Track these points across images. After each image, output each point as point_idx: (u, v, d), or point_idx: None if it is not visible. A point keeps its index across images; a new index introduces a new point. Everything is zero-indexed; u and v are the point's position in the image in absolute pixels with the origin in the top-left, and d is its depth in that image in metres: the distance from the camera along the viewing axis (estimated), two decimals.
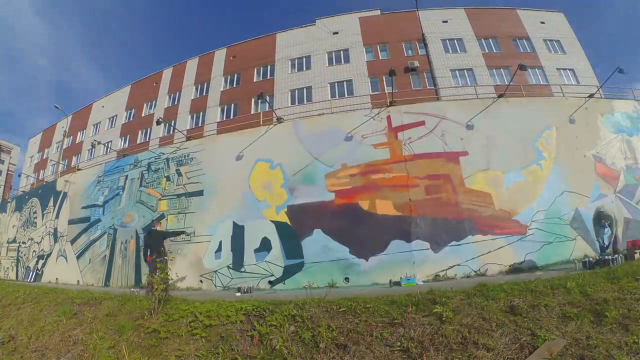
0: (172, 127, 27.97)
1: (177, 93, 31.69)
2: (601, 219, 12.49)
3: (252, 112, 26.33)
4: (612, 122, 14.81)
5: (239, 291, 11.87)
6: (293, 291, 11.91)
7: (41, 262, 20.75)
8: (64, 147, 37.38)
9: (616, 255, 10.28)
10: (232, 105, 28.25)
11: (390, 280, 11.49)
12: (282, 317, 6.36)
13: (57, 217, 20.68)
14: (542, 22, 27.88)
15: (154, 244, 10.81)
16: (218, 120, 27.90)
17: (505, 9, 28.54)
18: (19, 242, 23.56)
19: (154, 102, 32.68)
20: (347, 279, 12.41)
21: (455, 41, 26.75)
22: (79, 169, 21.94)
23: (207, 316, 6.86)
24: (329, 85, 26.17)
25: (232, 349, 5.66)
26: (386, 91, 21.93)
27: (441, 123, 13.75)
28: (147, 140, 30.44)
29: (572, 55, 26.44)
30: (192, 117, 29.68)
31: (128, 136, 32.63)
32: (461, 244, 12.24)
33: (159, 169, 17.10)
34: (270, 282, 13.12)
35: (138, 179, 17.59)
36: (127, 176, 18.14)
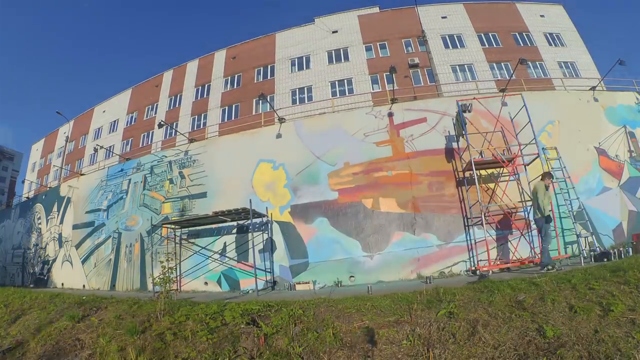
0: (174, 130, 28.03)
1: (178, 96, 31.71)
2: None
3: (253, 113, 26.34)
4: (615, 114, 14.72)
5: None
6: (299, 291, 11.96)
7: (46, 267, 20.86)
8: (67, 152, 37.48)
9: (622, 249, 10.23)
10: (234, 106, 28.24)
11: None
12: (288, 317, 6.35)
13: (61, 222, 20.75)
14: (542, 16, 27.73)
15: None
16: (220, 122, 27.91)
17: (504, 2, 28.39)
18: (24, 248, 23.66)
19: (155, 105, 32.71)
20: (352, 277, 12.42)
21: (455, 37, 26.65)
22: (82, 174, 22.01)
23: (212, 318, 6.86)
24: (329, 84, 26.13)
25: (237, 350, 5.66)
26: (387, 89, 21.89)
27: (443, 119, 13.72)
28: (150, 143, 30.49)
29: (573, 48, 26.29)
30: (193, 120, 29.69)
31: (130, 140, 32.70)
32: (466, 240, 12.23)
33: (161, 172, 17.13)
34: (275, 282, 13.15)
35: (141, 182, 17.63)
36: (130, 180, 18.18)
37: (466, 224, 12.42)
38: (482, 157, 12.21)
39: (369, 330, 5.69)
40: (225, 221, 14.30)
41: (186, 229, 15.37)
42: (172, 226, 15.01)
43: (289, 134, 14.93)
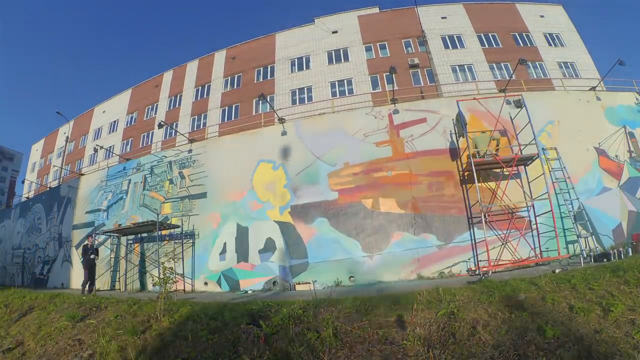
0: (174, 130, 28.03)
1: (178, 96, 31.68)
2: None
3: (253, 113, 26.31)
4: (615, 114, 14.72)
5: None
6: (299, 291, 11.96)
7: (46, 267, 20.84)
8: (67, 152, 37.46)
9: (622, 249, 10.25)
10: (234, 106, 28.22)
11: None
12: (288, 317, 6.35)
13: (61, 222, 20.73)
14: (542, 16, 27.71)
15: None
16: (219, 122, 27.89)
17: (504, 3, 28.37)
18: (24, 249, 23.64)
19: (155, 105, 32.69)
20: (352, 277, 12.41)
21: (455, 37, 26.64)
22: (82, 174, 21.99)
23: (212, 318, 6.87)
24: (329, 84, 26.11)
25: (237, 350, 5.66)
26: (387, 89, 21.89)
27: (443, 120, 13.71)
28: (150, 143, 30.47)
29: (573, 48, 26.28)
30: (193, 120, 29.66)
31: (130, 140, 32.67)
32: (465, 240, 12.23)
33: (161, 172, 17.13)
34: (274, 282, 13.14)
35: (141, 182, 17.62)
36: (130, 180, 18.17)
37: (470, 224, 12.41)
38: (482, 157, 12.20)
39: (369, 330, 5.70)
40: (152, 230, 15.45)
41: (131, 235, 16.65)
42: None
43: (288, 134, 14.93)
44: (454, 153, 13.26)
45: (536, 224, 12.08)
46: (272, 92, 26.77)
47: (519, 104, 12.84)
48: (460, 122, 12.59)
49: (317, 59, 27.55)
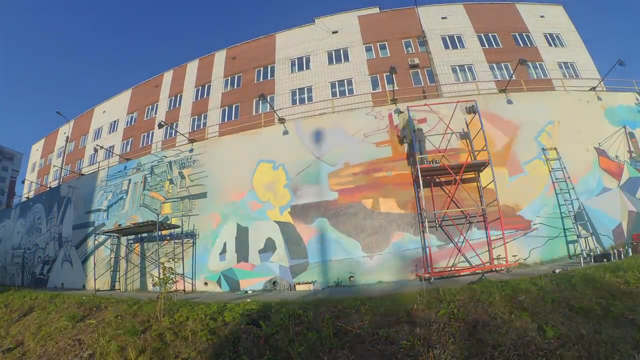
0: (174, 130, 28.02)
1: (178, 96, 31.63)
2: None
3: (253, 113, 26.27)
4: (615, 114, 14.70)
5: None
6: (299, 291, 11.97)
7: (46, 267, 20.84)
8: (67, 152, 37.43)
9: (622, 249, 10.26)
10: (234, 106, 28.17)
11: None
12: (288, 317, 6.35)
13: (61, 222, 20.73)
14: (542, 16, 27.66)
15: None
16: (220, 122, 27.84)
17: (504, 3, 28.32)
18: (24, 249, 23.64)
19: (155, 105, 32.64)
20: (352, 277, 12.41)
21: (455, 37, 26.59)
22: (82, 174, 21.98)
23: (212, 318, 6.87)
24: (329, 84, 26.05)
25: (237, 350, 5.66)
26: (387, 89, 21.87)
27: (443, 119, 13.68)
28: (150, 143, 30.42)
29: (573, 48, 26.24)
30: (193, 120, 29.61)
31: (130, 140, 32.62)
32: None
33: (162, 172, 17.12)
34: (274, 282, 13.14)
35: (141, 182, 17.62)
36: (130, 180, 18.17)
37: (420, 229, 12.49)
38: (431, 163, 12.32)
39: (369, 330, 5.69)
40: (152, 230, 15.47)
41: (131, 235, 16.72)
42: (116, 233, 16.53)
43: (288, 135, 14.93)
44: (411, 158, 13.28)
45: (488, 230, 12.15)
46: (272, 92, 26.73)
47: (472, 110, 12.98)
48: (409, 128, 12.89)
49: (317, 59, 27.51)
